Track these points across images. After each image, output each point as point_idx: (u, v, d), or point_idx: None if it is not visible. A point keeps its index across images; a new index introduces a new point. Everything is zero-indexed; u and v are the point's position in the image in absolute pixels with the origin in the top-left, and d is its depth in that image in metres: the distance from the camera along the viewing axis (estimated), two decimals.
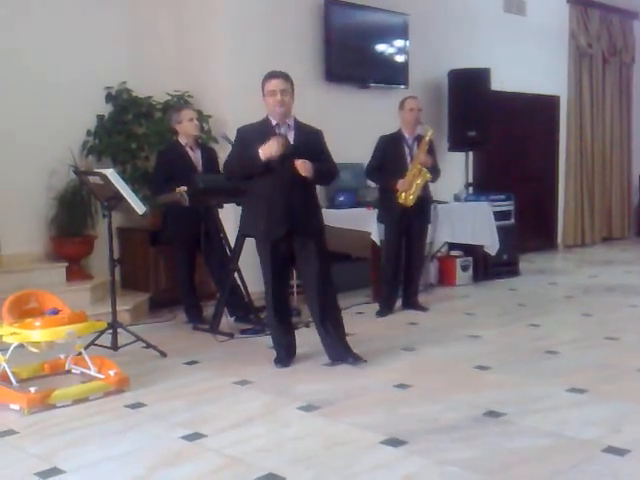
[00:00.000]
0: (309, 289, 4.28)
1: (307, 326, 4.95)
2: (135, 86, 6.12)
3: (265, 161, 4.00)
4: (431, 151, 5.66)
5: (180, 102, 6.10)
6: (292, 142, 4.11)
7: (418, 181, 5.51)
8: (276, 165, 4.02)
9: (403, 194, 5.50)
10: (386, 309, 5.75)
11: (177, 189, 4.95)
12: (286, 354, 4.33)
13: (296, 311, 5.43)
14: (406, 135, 5.67)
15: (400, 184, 5.48)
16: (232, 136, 5.31)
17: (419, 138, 5.68)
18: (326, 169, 4.23)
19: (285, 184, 4.05)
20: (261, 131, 4.13)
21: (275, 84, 4.07)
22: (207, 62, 6.44)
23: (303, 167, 4.02)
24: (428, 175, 5.53)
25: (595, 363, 4.29)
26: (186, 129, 5.29)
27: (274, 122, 4.15)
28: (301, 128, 4.20)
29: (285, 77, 4.13)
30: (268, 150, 3.99)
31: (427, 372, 4.16)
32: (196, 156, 5.34)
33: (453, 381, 3.99)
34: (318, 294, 4.22)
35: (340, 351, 4.27)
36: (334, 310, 4.30)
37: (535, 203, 9.35)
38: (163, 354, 4.51)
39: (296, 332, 4.50)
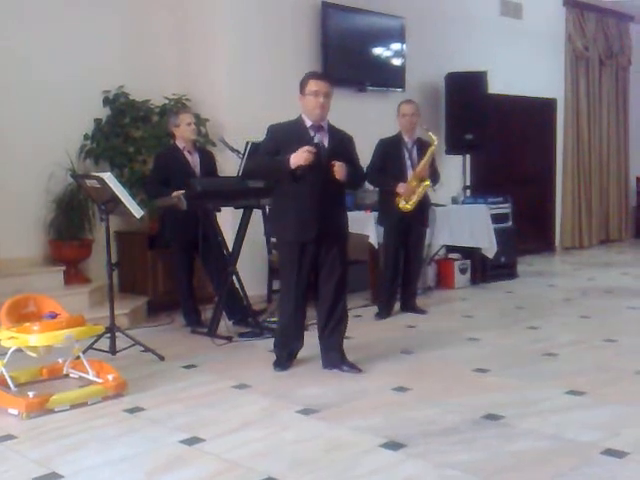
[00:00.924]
0: (325, 294, 4.21)
1: (306, 329, 4.93)
2: (132, 90, 6.12)
3: (294, 169, 3.95)
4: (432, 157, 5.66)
5: (178, 106, 6.10)
6: (326, 145, 4.09)
7: (420, 189, 5.53)
8: (303, 173, 3.97)
9: (403, 200, 5.50)
10: (384, 312, 5.75)
11: (175, 193, 4.94)
12: (287, 358, 4.31)
13: None
14: (405, 139, 5.68)
15: (401, 187, 5.48)
16: (230, 140, 5.37)
17: (419, 142, 5.69)
18: (356, 174, 4.22)
19: (317, 185, 4.01)
20: (294, 130, 4.09)
21: (320, 85, 4.03)
22: (205, 66, 6.44)
23: (340, 170, 4.00)
24: (428, 183, 5.54)
25: (594, 365, 4.29)
26: (184, 133, 5.28)
27: (308, 123, 4.10)
28: (334, 132, 4.18)
29: (329, 80, 4.12)
30: (300, 159, 3.93)
31: (426, 375, 4.16)
32: (194, 160, 5.34)
33: (452, 384, 3.98)
34: (333, 301, 4.20)
35: (336, 359, 4.24)
36: (343, 319, 4.28)
37: (533, 205, 9.37)
38: (161, 358, 4.50)
39: None
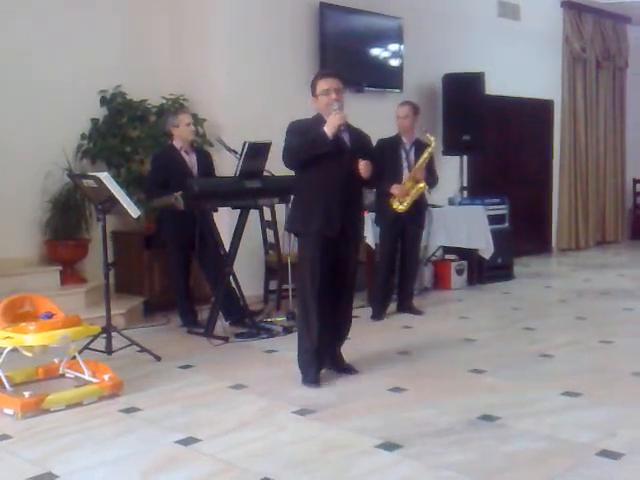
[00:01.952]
0: (336, 293, 4.12)
1: None
2: (130, 89, 6.11)
3: (332, 138, 3.88)
4: (430, 160, 5.65)
5: (175, 106, 6.10)
6: (348, 143, 4.04)
7: (414, 191, 5.53)
8: (337, 144, 3.93)
9: (397, 201, 5.50)
10: (379, 312, 5.73)
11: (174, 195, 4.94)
12: (319, 370, 4.05)
13: (291, 314, 5.42)
14: (404, 140, 5.68)
15: (395, 188, 5.48)
16: (227, 140, 5.36)
17: (418, 143, 5.69)
18: (377, 173, 4.16)
19: (341, 182, 3.98)
20: (315, 127, 3.98)
21: (330, 83, 4.00)
22: (202, 66, 6.43)
23: (366, 168, 3.98)
24: (422, 185, 5.54)
25: (589, 366, 4.30)
26: (182, 133, 5.27)
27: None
28: (352, 130, 4.15)
29: (338, 76, 4.06)
30: (333, 122, 3.88)
31: (422, 376, 4.16)
32: (191, 160, 5.33)
33: (448, 385, 3.99)
34: (344, 302, 4.17)
35: (334, 360, 4.21)
36: (348, 321, 4.25)
37: (529, 207, 9.37)
38: (157, 358, 4.50)
39: (290, 336, 4.47)
